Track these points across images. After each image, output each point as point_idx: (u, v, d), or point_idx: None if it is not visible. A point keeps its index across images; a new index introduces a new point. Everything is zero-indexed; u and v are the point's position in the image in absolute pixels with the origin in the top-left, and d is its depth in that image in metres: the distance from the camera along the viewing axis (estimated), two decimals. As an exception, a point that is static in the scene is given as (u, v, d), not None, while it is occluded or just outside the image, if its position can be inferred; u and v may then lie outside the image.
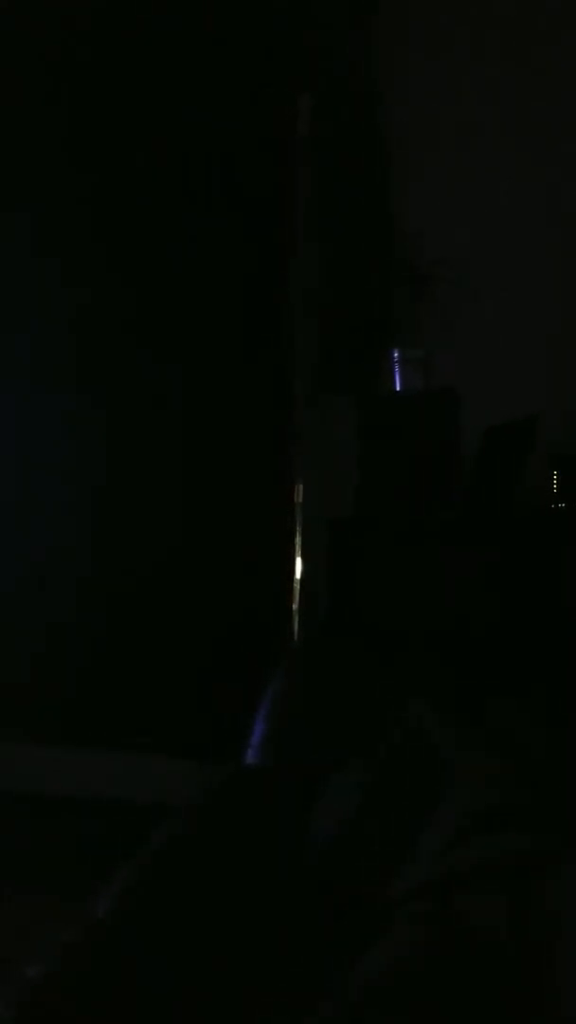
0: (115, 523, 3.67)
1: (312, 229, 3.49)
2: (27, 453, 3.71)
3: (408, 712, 1.90)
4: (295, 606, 3.50)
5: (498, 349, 3.49)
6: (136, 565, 3.63)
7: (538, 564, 3.10)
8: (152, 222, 3.60)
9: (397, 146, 3.56)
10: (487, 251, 3.50)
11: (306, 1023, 1.20)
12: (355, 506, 3.40)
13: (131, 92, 3.57)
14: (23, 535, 3.71)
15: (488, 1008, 1.16)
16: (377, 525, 3.33)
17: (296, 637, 3.51)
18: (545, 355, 3.49)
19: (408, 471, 3.36)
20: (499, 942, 1.22)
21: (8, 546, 3.73)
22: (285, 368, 3.54)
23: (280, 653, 2.87)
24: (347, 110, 3.52)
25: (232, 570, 3.58)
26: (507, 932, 1.24)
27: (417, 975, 1.21)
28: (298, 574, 3.50)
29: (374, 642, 2.86)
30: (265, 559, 3.54)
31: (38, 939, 1.62)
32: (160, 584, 3.62)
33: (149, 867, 1.73)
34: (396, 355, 3.51)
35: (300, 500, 3.50)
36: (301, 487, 3.50)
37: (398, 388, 3.53)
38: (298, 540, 3.50)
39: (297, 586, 3.50)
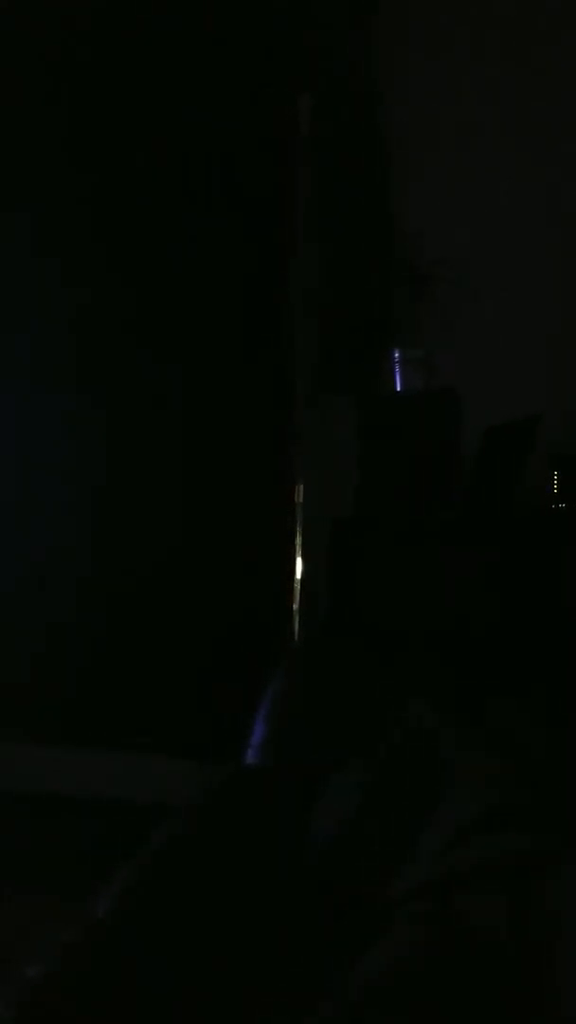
0: (115, 523, 3.67)
1: (312, 229, 3.49)
2: (27, 453, 3.71)
3: (408, 712, 1.90)
4: (295, 606, 3.50)
5: (498, 349, 3.48)
6: (136, 565, 3.63)
7: (538, 564, 3.10)
8: (152, 222, 3.60)
9: (397, 146, 3.55)
10: (487, 251, 3.50)
11: (306, 1023, 1.20)
12: (355, 506, 3.40)
13: (131, 92, 3.57)
14: (23, 535, 3.71)
15: (488, 1008, 1.16)
16: (377, 525, 3.33)
17: (296, 637, 3.50)
18: (545, 355, 3.49)
19: (408, 471, 3.36)
20: (499, 942, 1.22)
21: (8, 546, 3.73)
22: (285, 368, 3.54)
23: (280, 653, 2.87)
24: (347, 110, 3.52)
25: (232, 570, 3.58)
26: (507, 932, 1.24)
27: (417, 975, 1.20)
28: (298, 574, 3.50)
29: (374, 642, 2.86)
30: (265, 559, 3.54)
31: (38, 939, 1.62)
32: (160, 584, 3.62)
33: (149, 867, 1.73)
34: (396, 355, 3.51)
35: (300, 500, 3.50)
36: (301, 487, 3.50)
37: (398, 388, 3.53)
38: (298, 540, 3.50)
39: (297, 586, 3.50)
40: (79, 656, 3.67)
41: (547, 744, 1.79)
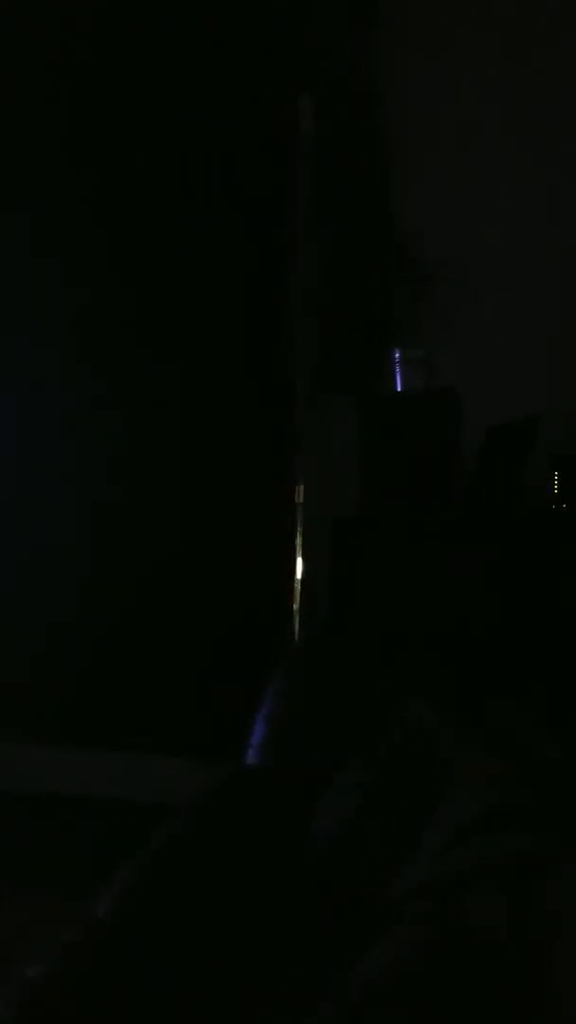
0: (115, 523, 3.67)
1: (312, 229, 3.49)
2: (27, 453, 3.71)
3: (408, 712, 1.90)
4: (296, 606, 3.50)
5: (498, 349, 3.49)
6: (136, 565, 3.63)
7: (538, 564, 3.10)
8: (152, 222, 3.60)
9: (397, 146, 3.55)
10: (487, 251, 3.50)
11: (306, 1023, 1.20)
12: (356, 506, 3.40)
13: (131, 92, 3.57)
14: (23, 535, 3.71)
15: (488, 1008, 1.16)
16: (378, 525, 3.33)
17: (296, 637, 3.50)
18: (545, 355, 3.49)
19: (409, 471, 3.36)
20: (499, 942, 1.22)
21: (8, 546, 3.73)
22: (285, 368, 3.54)
23: (280, 653, 2.87)
24: (347, 110, 3.52)
25: (233, 570, 3.58)
26: (507, 932, 1.24)
27: (417, 975, 1.20)
28: (299, 574, 3.50)
29: (374, 642, 2.86)
30: (266, 559, 3.54)
31: (38, 939, 1.62)
32: (160, 584, 3.62)
33: (149, 867, 1.74)
34: (397, 355, 3.51)
35: (301, 500, 3.50)
36: (302, 487, 3.50)
37: (398, 388, 3.53)
38: (299, 540, 3.50)
39: (297, 586, 3.50)
40: (79, 656, 3.67)
41: (547, 744, 1.79)
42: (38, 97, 3.61)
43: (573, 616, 2.91)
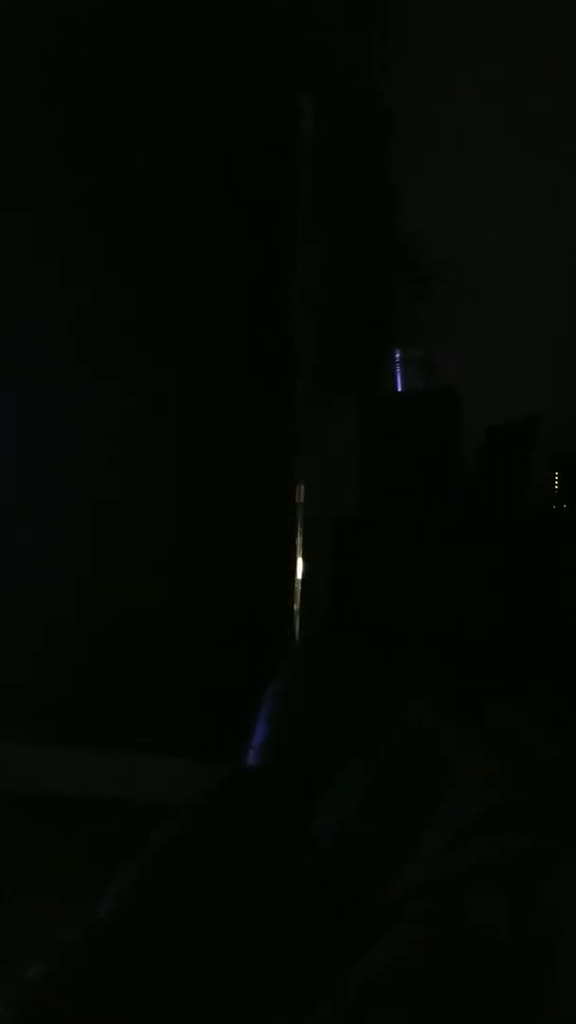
0: (115, 523, 3.67)
1: (312, 229, 3.49)
2: (27, 453, 3.71)
3: (408, 712, 1.90)
4: (296, 606, 3.50)
5: (498, 349, 3.48)
6: (136, 565, 3.63)
7: (538, 564, 3.10)
8: (152, 222, 3.60)
9: (397, 146, 3.55)
10: (487, 251, 3.50)
11: (306, 1023, 1.20)
12: (356, 506, 3.40)
13: (131, 92, 3.57)
14: (23, 535, 3.71)
15: (488, 1008, 1.16)
16: (377, 525, 3.33)
17: (296, 637, 3.50)
18: (545, 355, 3.49)
19: (409, 471, 3.36)
20: (499, 942, 1.22)
21: (8, 546, 3.73)
22: (285, 368, 3.54)
23: (280, 653, 2.87)
24: (347, 110, 3.52)
25: (233, 570, 3.58)
26: (507, 932, 1.24)
27: (417, 975, 1.20)
28: (299, 574, 3.50)
29: (374, 642, 2.86)
30: (266, 559, 3.54)
31: (38, 939, 1.62)
32: (160, 584, 3.62)
33: (149, 867, 1.73)
34: (397, 355, 3.51)
35: (301, 500, 3.50)
36: (302, 487, 3.50)
37: (399, 388, 3.53)
38: (299, 540, 3.50)
39: (298, 586, 3.50)
40: (79, 656, 3.67)
41: (547, 744, 1.79)
42: (38, 97, 3.61)
43: (573, 616, 2.91)
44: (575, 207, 3.49)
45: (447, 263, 3.45)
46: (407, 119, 3.53)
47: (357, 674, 2.24)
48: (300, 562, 3.49)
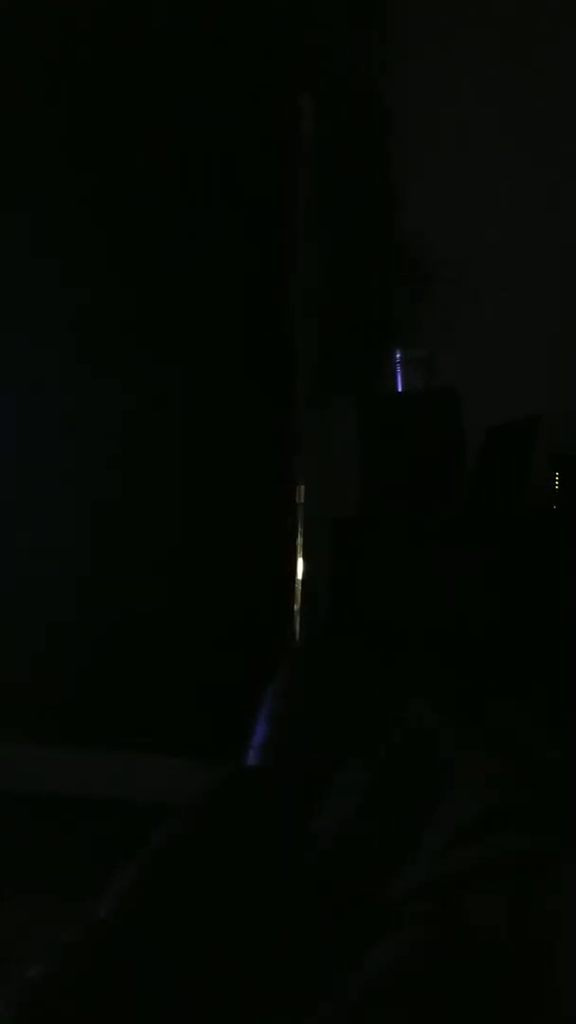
0: (115, 523, 3.67)
1: (312, 229, 3.49)
2: (27, 453, 3.71)
3: (408, 712, 1.90)
4: (296, 606, 3.50)
5: (498, 349, 3.49)
6: (136, 565, 3.63)
7: (538, 564, 3.10)
8: (152, 222, 3.60)
9: (397, 146, 3.55)
10: (487, 251, 3.50)
11: (306, 1023, 1.20)
12: (356, 506, 3.40)
13: (131, 92, 3.57)
14: (23, 535, 3.71)
15: (488, 1008, 1.16)
16: (377, 525, 3.33)
17: (296, 637, 3.50)
18: (545, 355, 3.49)
19: (409, 471, 3.36)
20: (499, 942, 1.22)
21: (8, 546, 3.73)
22: (285, 368, 3.54)
23: (280, 653, 2.87)
24: (347, 110, 3.52)
25: (233, 570, 3.58)
26: (507, 932, 1.24)
27: (417, 975, 1.20)
28: (299, 574, 3.50)
29: (374, 642, 2.86)
30: (266, 559, 3.54)
31: (38, 939, 1.62)
32: (160, 584, 3.62)
33: (149, 867, 1.73)
34: (397, 355, 3.51)
35: (301, 500, 3.50)
36: (302, 487, 3.50)
37: (399, 388, 3.53)
38: (299, 540, 3.50)
39: (298, 586, 3.50)
40: (79, 656, 3.67)
41: (547, 744, 1.79)
42: (38, 97, 3.61)
43: (573, 616, 2.91)
44: (575, 207, 3.50)
45: (447, 263, 3.45)
46: (407, 119, 3.53)
47: (357, 674, 2.24)
48: (300, 562, 3.49)
